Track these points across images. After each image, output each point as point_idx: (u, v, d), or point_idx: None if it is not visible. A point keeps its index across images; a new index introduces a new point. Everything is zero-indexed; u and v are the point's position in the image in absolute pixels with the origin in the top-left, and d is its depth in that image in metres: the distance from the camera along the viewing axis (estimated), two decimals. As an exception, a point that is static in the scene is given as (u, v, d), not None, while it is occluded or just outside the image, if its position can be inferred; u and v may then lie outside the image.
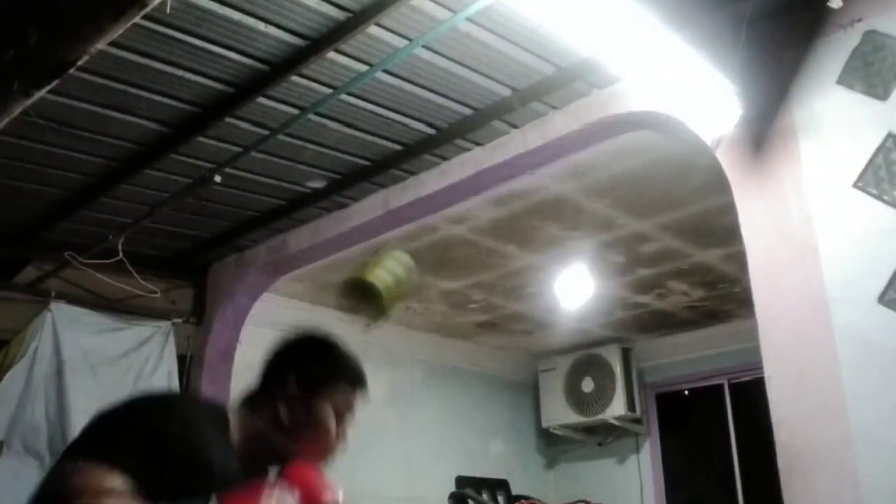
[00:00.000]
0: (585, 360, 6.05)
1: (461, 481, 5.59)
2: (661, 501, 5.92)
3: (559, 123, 3.15)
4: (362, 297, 1.29)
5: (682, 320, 5.68)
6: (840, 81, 2.39)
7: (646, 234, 4.29)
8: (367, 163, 3.60)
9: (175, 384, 4.39)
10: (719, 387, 5.77)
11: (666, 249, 4.47)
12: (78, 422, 3.94)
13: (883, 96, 2.29)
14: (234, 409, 1.49)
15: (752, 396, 5.21)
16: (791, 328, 2.35)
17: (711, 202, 3.78)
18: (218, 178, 3.38)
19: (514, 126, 3.29)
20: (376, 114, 3.19)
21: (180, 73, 2.84)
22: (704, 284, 5.00)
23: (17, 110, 2.10)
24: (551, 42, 2.73)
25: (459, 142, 3.41)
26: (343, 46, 2.71)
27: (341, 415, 1.54)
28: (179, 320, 4.54)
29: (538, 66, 2.92)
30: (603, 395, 5.88)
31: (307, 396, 1.53)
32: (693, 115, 2.70)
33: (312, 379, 1.55)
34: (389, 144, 3.45)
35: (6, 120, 2.14)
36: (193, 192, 3.55)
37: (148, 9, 1.79)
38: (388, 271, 1.26)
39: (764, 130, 2.52)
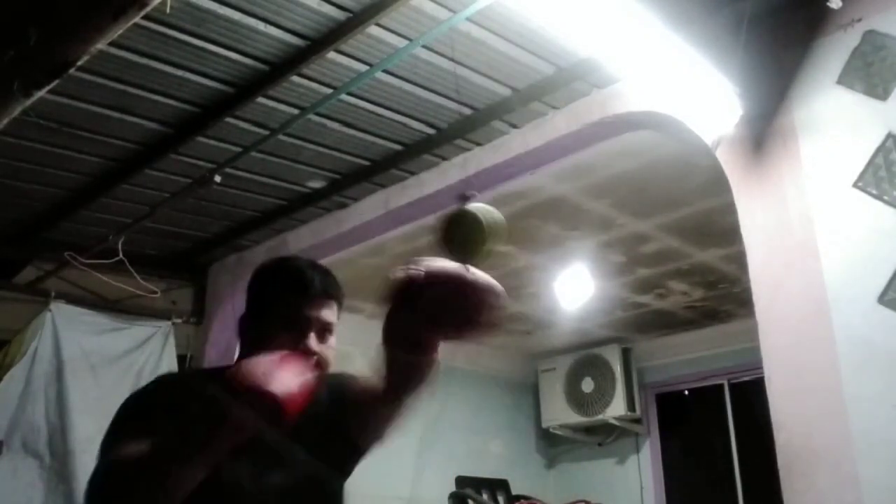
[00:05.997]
0: (585, 360, 6.05)
1: (461, 481, 5.58)
2: (661, 501, 5.92)
3: (559, 123, 3.15)
4: (460, 237, 1.24)
5: (682, 320, 5.68)
6: (840, 81, 2.38)
7: (646, 234, 4.29)
8: (367, 163, 3.60)
9: (175, 384, 4.38)
10: (719, 387, 5.77)
11: (666, 249, 4.47)
12: (78, 422, 3.95)
13: (883, 96, 2.29)
14: None
15: (752, 396, 5.21)
16: (791, 328, 2.35)
17: (711, 202, 3.78)
18: (218, 178, 3.38)
19: (514, 126, 3.28)
20: (376, 114, 3.18)
21: (180, 73, 2.84)
22: (704, 284, 5.00)
23: (17, 110, 2.09)
24: (551, 42, 2.74)
25: (459, 142, 3.40)
26: (343, 46, 2.71)
27: (298, 329, 1.43)
28: (179, 320, 4.54)
29: (538, 66, 2.92)
30: (603, 395, 5.87)
31: (254, 323, 1.48)
32: (693, 115, 2.70)
33: (253, 304, 1.51)
34: (389, 144, 3.44)
35: (6, 120, 2.14)
36: (193, 192, 3.55)
37: (148, 9, 1.79)
38: (487, 211, 1.23)
39: (764, 130, 2.51)
